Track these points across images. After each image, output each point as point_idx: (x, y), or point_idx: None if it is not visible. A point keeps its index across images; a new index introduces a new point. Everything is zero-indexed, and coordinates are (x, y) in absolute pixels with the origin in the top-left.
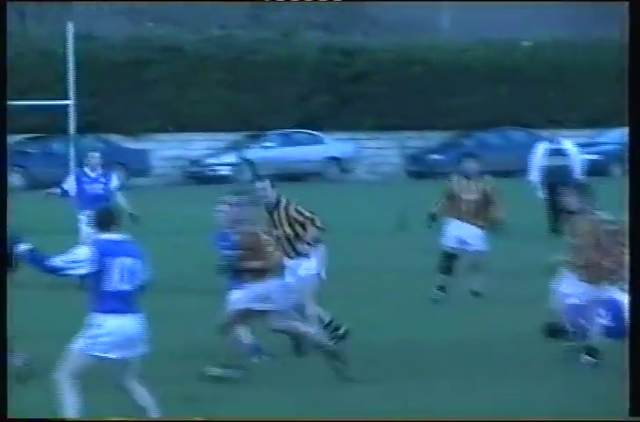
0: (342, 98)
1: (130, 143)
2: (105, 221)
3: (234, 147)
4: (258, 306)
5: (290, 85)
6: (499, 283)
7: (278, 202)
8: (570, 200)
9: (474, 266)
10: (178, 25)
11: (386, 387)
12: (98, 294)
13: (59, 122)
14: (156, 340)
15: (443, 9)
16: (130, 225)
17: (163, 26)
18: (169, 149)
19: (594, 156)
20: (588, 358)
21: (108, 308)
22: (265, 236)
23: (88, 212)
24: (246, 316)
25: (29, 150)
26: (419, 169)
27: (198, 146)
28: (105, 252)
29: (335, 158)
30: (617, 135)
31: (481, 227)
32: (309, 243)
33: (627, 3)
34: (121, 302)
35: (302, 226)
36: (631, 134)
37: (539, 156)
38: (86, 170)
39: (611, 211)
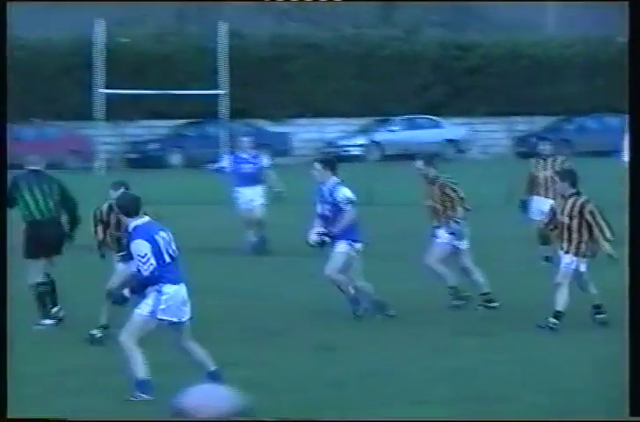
0: (458, 88)
1: (274, 127)
2: (134, 208)
3: (364, 130)
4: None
5: (413, 77)
6: None
7: (435, 179)
8: None
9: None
10: (316, 25)
11: (497, 339)
12: (157, 276)
13: (213, 109)
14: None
15: (548, 9)
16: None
17: (303, 26)
18: (307, 133)
19: None
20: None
21: (166, 278)
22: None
23: (241, 188)
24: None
25: (187, 133)
26: (526, 149)
27: (332, 129)
28: (149, 233)
29: (452, 140)
30: None
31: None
32: (456, 221)
33: (627, 3)
34: (173, 272)
35: (452, 203)
36: (632, 134)
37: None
38: (239, 152)
39: None
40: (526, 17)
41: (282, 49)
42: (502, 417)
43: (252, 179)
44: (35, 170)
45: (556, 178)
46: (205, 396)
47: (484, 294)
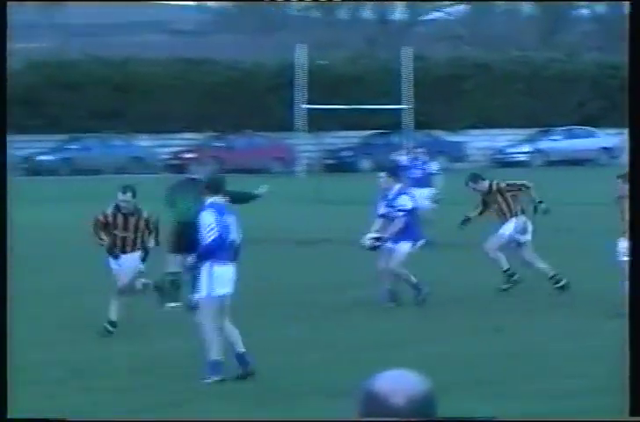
0: (613, 102)
1: (450, 137)
2: (217, 187)
3: (529, 139)
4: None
5: (573, 93)
6: None
7: (490, 190)
8: None
9: None
10: (486, 48)
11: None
12: (216, 246)
13: (398, 121)
14: None
15: None
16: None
17: (475, 49)
18: (479, 141)
19: None
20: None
21: (223, 257)
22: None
23: (413, 190)
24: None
25: (376, 142)
26: None
27: (501, 139)
28: (220, 210)
29: (606, 148)
30: None
31: None
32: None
33: (627, 3)
34: (228, 252)
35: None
36: (631, 135)
37: None
38: (413, 159)
39: None
40: None
41: (458, 69)
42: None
43: (421, 182)
44: (193, 179)
45: None
46: (396, 380)
47: (552, 277)
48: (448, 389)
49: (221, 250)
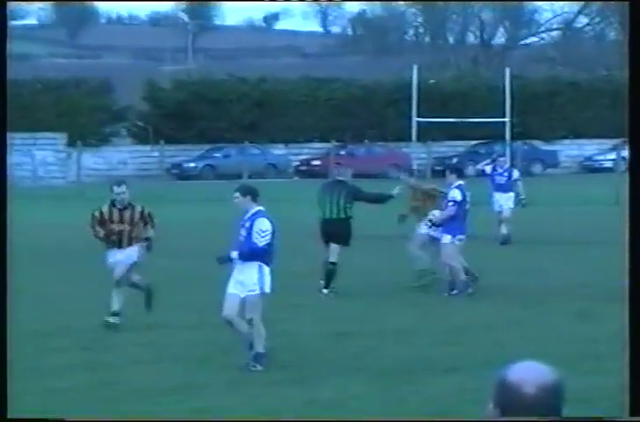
0: None
1: (545, 146)
2: (257, 195)
3: (614, 148)
4: None
5: None
6: None
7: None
8: None
9: None
10: (576, 68)
11: None
12: (267, 250)
13: (499, 132)
14: None
15: None
16: (524, 205)
17: (567, 69)
18: (570, 150)
19: None
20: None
21: (267, 258)
22: None
23: (495, 194)
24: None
25: (479, 151)
26: None
27: (590, 148)
28: (269, 217)
29: None
30: None
31: None
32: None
33: (627, 3)
34: (271, 255)
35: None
36: (631, 136)
37: None
38: (497, 167)
39: None
40: None
41: (552, 87)
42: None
43: (504, 188)
44: (340, 180)
45: None
46: (528, 370)
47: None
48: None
49: (269, 254)
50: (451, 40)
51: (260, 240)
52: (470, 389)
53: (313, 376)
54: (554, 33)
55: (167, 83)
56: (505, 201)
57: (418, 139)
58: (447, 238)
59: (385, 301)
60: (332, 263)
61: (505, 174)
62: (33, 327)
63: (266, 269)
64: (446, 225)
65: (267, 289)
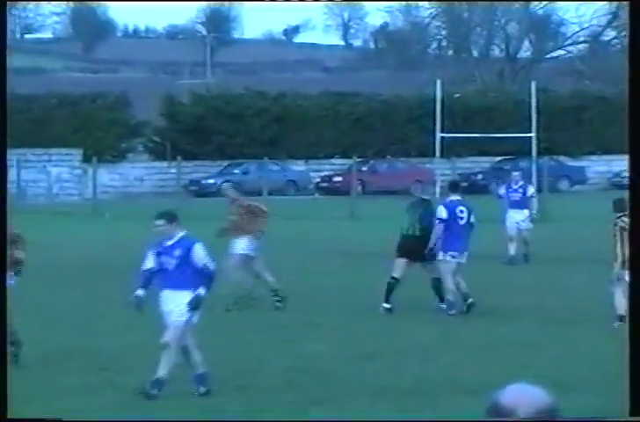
0: None
1: (572, 162)
2: (177, 218)
3: None
4: None
5: None
6: None
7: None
8: None
9: None
10: (605, 82)
11: None
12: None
13: (525, 148)
14: None
15: None
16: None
17: (595, 83)
18: (598, 166)
19: None
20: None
21: (205, 285)
22: None
23: (510, 211)
24: None
25: (505, 167)
26: None
27: (618, 164)
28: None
29: None
30: None
31: None
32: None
33: (627, 3)
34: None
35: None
36: (631, 138)
37: None
38: (511, 183)
39: None
40: None
41: (579, 101)
42: None
43: (519, 205)
44: (424, 199)
45: None
46: (522, 393)
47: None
48: (576, 387)
49: (201, 278)
50: (475, 53)
51: (211, 264)
52: None
53: (332, 398)
54: (581, 46)
55: (185, 97)
56: (521, 219)
57: (442, 155)
58: (440, 255)
59: (405, 320)
60: (437, 279)
61: (520, 190)
62: (46, 348)
63: (201, 295)
64: (441, 243)
65: (195, 318)
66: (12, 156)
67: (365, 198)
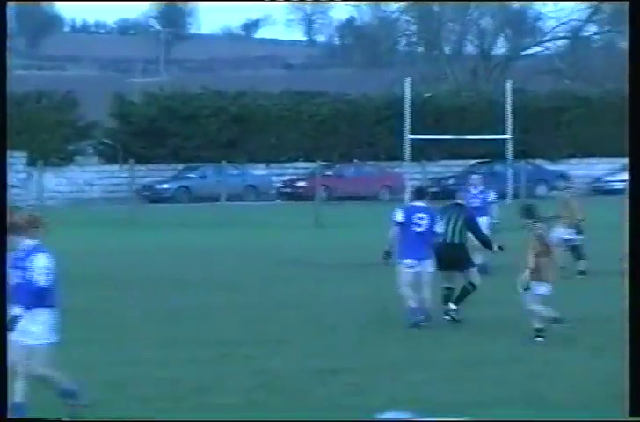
0: None
1: (550, 166)
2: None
3: (625, 168)
4: None
5: None
6: None
7: None
8: None
9: None
10: (586, 82)
11: None
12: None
13: (500, 151)
14: None
15: None
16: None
17: (575, 83)
18: (578, 170)
19: None
20: None
21: (50, 303)
22: None
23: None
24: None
25: (478, 171)
26: None
27: (599, 168)
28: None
29: None
30: None
31: None
32: None
33: (627, 3)
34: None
35: None
36: (631, 138)
37: None
38: (470, 188)
39: None
40: None
41: (557, 102)
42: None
43: (478, 211)
44: (458, 204)
45: None
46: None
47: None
48: (555, 405)
49: (51, 294)
50: (447, 50)
51: (42, 279)
52: None
53: (297, 417)
54: (560, 43)
55: (137, 97)
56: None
57: (412, 158)
58: (399, 265)
59: (373, 335)
60: (472, 284)
61: (480, 196)
62: None
63: (52, 314)
64: (399, 251)
65: (52, 339)
66: None
67: (330, 204)
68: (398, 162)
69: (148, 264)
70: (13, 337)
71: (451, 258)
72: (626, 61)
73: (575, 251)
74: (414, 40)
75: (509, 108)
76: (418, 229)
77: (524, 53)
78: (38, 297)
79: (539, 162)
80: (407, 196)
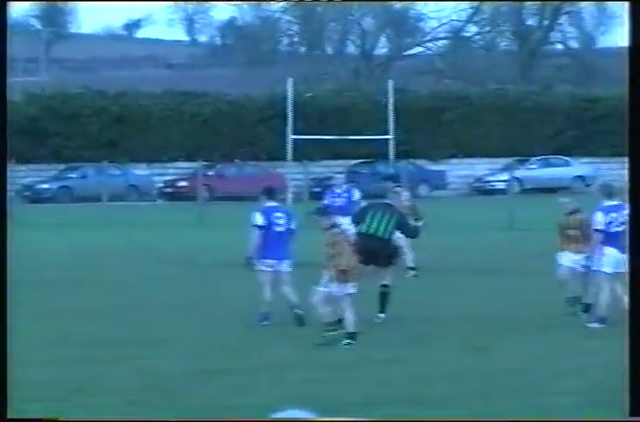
0: (586, 133)
1: (432, 166)
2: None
3: (506, 168)
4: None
5: (548, 124)
6: None
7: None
8: None
9: None
10: (467, 82)
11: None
12: None
13: (382, 151)
14: None
15: None
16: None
17: (456, 82)
18: (459, 170)
19: None
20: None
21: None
22: None
23: (338, 218)
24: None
25: (361, 171)
26: None
27: (480, 168)
28: None
29: (580, 177)
30: None
31: None
32: None
33: (627, 3)
34: None
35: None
36: (631, 138)
37: None
38: (335, 187)
39: None
40: None
41: (439, 102)
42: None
43: (342, 211)
44: (388, 203)
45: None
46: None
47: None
48: (438, 404)
49: None
50: (329, 50)
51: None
52: None
53: (181, 417)
54: (441, 43)
55: (17, 96)
56: (347, 225)
57: (294, 158)
58: (257, 264)
59: (256, 335)
60: (385, 285)
61: (344, 195)
62: None
63: None
64: (257, 252)
65: None
66: None
67: (212, 204)
68: (280, 162)
69: (28, 265)
70: None
71: (377, 251)
72: (505, 61)
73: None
74: (296, 39)
75: (391, 108)
76: (279, 229)
77: (405, 53)
78: None
79: (420, 162)
80: (289, 196)
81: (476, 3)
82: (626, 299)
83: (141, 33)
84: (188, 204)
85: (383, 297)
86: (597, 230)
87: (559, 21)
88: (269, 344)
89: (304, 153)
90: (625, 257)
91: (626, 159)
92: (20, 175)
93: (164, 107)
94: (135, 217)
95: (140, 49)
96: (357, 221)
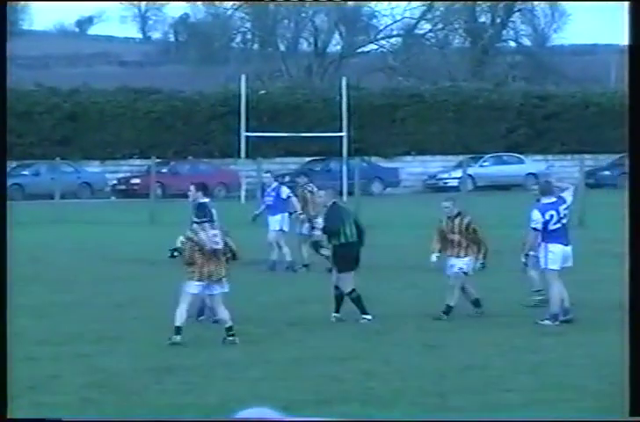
0: (538, 130)
1: (385, 163)
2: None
3: (459, 165)
4: None
5: (500, 122)
6: None
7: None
8: None
9: None
10: (420, 79)
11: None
12: None
13: (335, 148)
14: None
15: (611, 66)
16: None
17: (409, 80)
18: (413, 167)
19: None
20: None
21: None
22: None
23: (269, 216)
24: None
25: (314, 168)
26: (594, 181)
27: (433, 165)
28: None
29: (533, 174)
30: None
31: None
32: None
33: (627, 3)
34: None
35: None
36: (631, 138)
37: None
38: (266, 186)
39: None
40: (594, 72)
41: (392, 99)
42: (571, 405)
43: (273, 209)
44: (341, 206)
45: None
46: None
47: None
48: (390, 402)
49: None
50: (282, 47)
51: None
52: None
53: (132, 415)
54: (393, 40)
55: None
56: (273, 224)
57: (248, 155)
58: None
59: (210, 333)
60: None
61: (273, 193)
62: None
63: None
64: None
65: None
66: None
67: (165, 201)
68: (233, 159)
69: None
70: None
71: (358, 256)
72: (458, 59)
73: (314, 245)
74: (249, 37)
75: (344, 105)
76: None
77: (358, 50)
78: None
79: (374, 159)
80: (243, 193)
81: (428, 2)
82: (566, 295)
83: (93, 30)
84: (141, 201)
85: (339, 298)
86: (534, 229)
87: (512, 19)
88: (222, 342)
89: (258, 150)
90: (569, 248)
91: (577, 156)
92: None
93: (117, 104)
94: (88, 215)
95: (92, 46)
96: (335, 232)
